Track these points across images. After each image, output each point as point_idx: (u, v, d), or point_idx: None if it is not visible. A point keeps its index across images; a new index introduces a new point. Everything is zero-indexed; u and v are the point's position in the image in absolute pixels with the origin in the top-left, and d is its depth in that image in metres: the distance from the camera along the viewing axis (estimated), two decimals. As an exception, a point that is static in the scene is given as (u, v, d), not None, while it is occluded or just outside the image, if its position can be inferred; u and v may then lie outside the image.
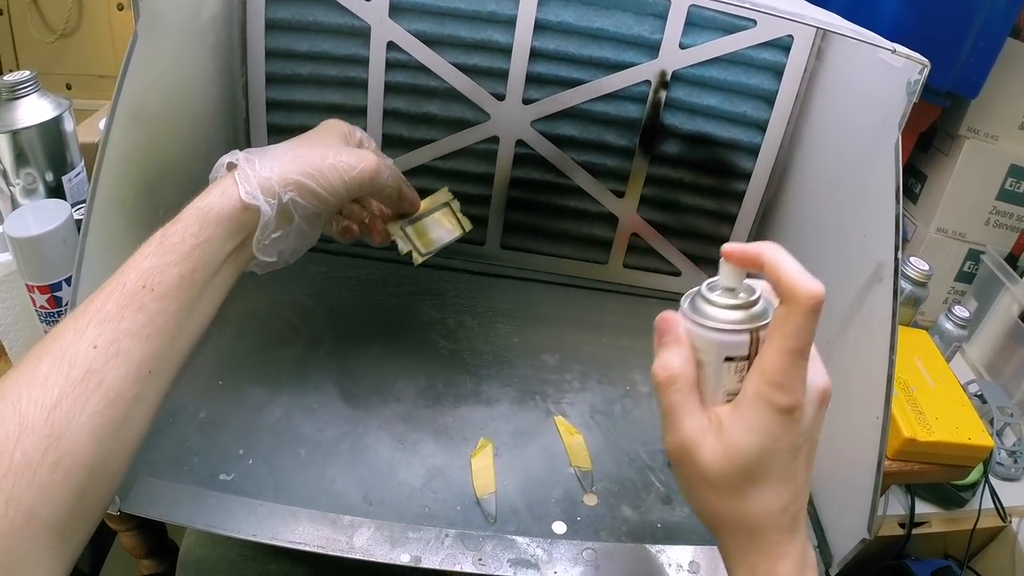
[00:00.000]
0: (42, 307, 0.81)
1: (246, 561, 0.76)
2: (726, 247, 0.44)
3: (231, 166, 0.56)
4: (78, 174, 0.98)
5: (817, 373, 0.45)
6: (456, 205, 0.70)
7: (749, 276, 0.45)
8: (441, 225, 0.68)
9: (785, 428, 0.43)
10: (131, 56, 0.61)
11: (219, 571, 0.76)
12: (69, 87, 1.50)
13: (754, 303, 0.44)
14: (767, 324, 0.44)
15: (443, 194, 0.71)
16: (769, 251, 0.43)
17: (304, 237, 0.59)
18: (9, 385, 0.43)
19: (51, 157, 0.95)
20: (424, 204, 0.69)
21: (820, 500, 0.70)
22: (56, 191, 0.97)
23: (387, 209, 0.68)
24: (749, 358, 0.44)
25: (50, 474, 0.41)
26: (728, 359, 0.44)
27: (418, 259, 0.67)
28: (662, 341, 0.46)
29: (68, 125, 0.96)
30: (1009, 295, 1.26)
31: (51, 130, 0.94)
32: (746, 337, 0.44)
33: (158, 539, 1.07)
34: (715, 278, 0.46)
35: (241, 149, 0.87)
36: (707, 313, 0.44)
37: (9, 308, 0.84)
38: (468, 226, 0.69)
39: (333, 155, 0.58)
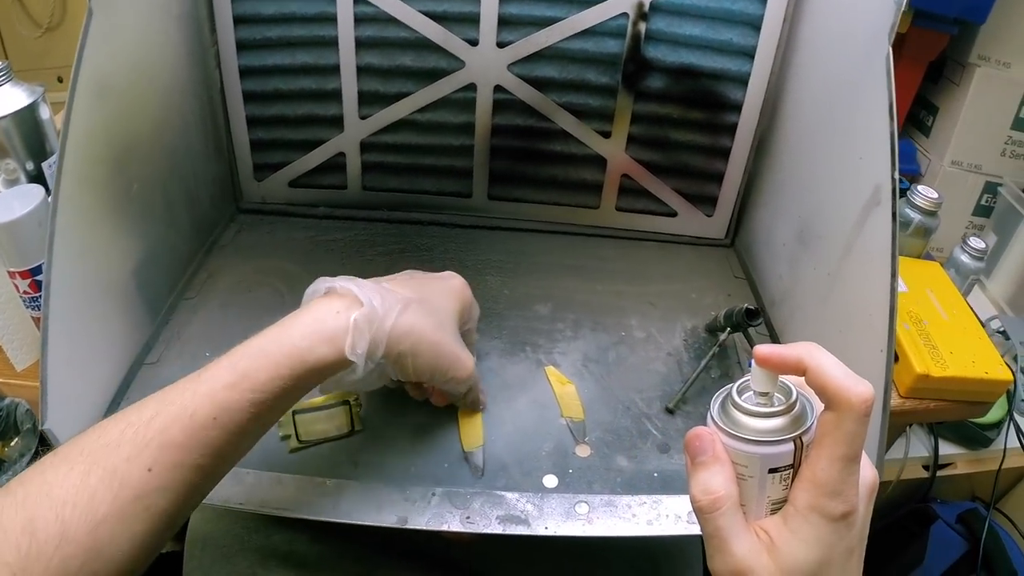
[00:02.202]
0: (25, 292, 0.81)
1: (249, 533, 0.75)
2: (759, 351, 0.41)
3: (345, 292, 0.54)
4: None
5: (864, 466, 0.42)
6: (356, 405, 0.67)
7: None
8: (331, 420, 0.66)
9: (840, 535, 0.41)
10: (87, 32, 0.60)
11: (224, 544, 0.75)
12: (60, 80, 1.51)
13: (793, 405, 0.41)
14: (811, 427, 0.41)
15: (348, 393, 0.68)
16: (810, 354, 0.41)
17: (366, 385, 0.59)
18: (54, 487, 0.42)
19: (29, 145, 0.95)
20: (324, 398, 0.67)
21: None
22: (38, 179, 0.96)
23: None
24: (794, 466, 0.41)
25: None
26: (772, 470, 0.41)
27: (293, 445, 0.64)
28: (697, 460, 0.43)
29: (44, 112, 0.95)
30: (1029, 226, 1.21)
31: (26, 118, 0.93)
32: (791, 446, 0.40)
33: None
34: (744, 379, 0.42)
35: (220, 120, 0.87)
36: (744, 424, 0.41)
37: (-5, 297, 0.84)
38: (360, 426, 0.66)
39: (445, 348, 0.58)
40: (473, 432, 0.66)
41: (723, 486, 0.41)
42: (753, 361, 0.42)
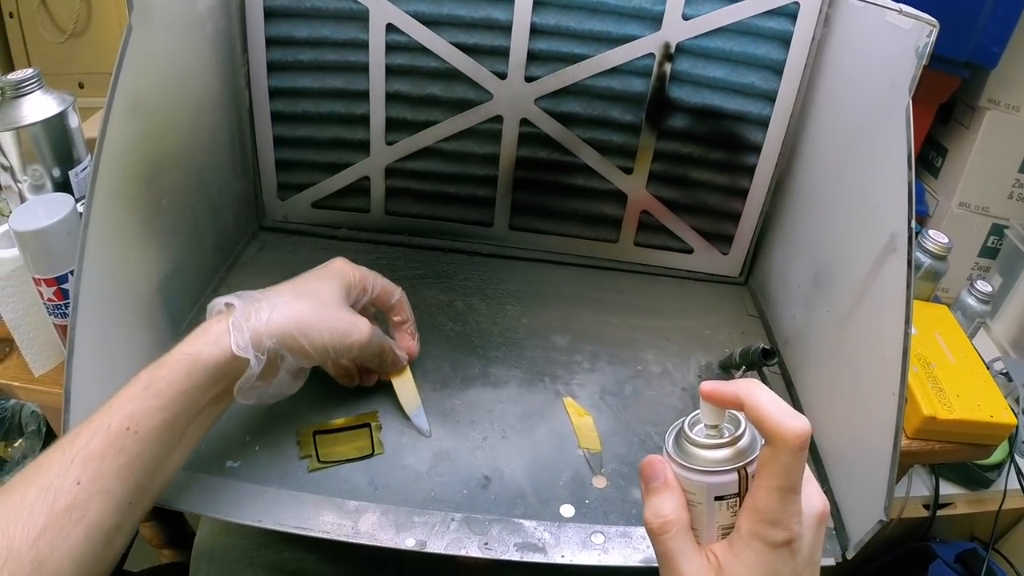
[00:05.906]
0: (49, 300, 0.81)
1: (259, 549, 0.76)
2: (704, 387, 0.44)
3: (228, 306, 0.58)
4: (84, 168, 0.98)
5: (812, 495, 0.44)
6: (377, 428, 0.69)
7: None
8: (352, 441, 0.68)
9: (783, 561, 0.42)
10: (126, 49, 0.61)
11: (232, 559, 0.76)
12: (82, 86, 1.52)
13: (739, 438, 0.44)
14: (755, 459, 0.43)
15: (370, 416, 0.70)
16: (747, 391, 0.43)
17: (285, 387, 0.61)
18: None
19: (57, 152, 0.95)
20: (345, 420, 0.70)
21: (835, 481, 0.68)
22: (64, 186, 0.97)
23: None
24: (740, 494, 0.44)
25: None
26: (719, 498, 0.44)
27: (313, 464, 0.65)
28: (650, 487, 0.46)
29: (73, 120, 0.96)
30: (1034, 270, 1.23)
31: (56, 126, 0.94)
32: (734, 476, 0.43)
33: (177, 529, 1.08)
34: (696, 413, 0.45)
35: (247, 138, 0.89)
36: (692, 454, 0.44)
37: (18, 302, 0.85)
38: (380, 449, 0.67)
39: (331, 319, 0.61)
40: (408, 394, 0.70)
41: (672, 511, 0.44)
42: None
